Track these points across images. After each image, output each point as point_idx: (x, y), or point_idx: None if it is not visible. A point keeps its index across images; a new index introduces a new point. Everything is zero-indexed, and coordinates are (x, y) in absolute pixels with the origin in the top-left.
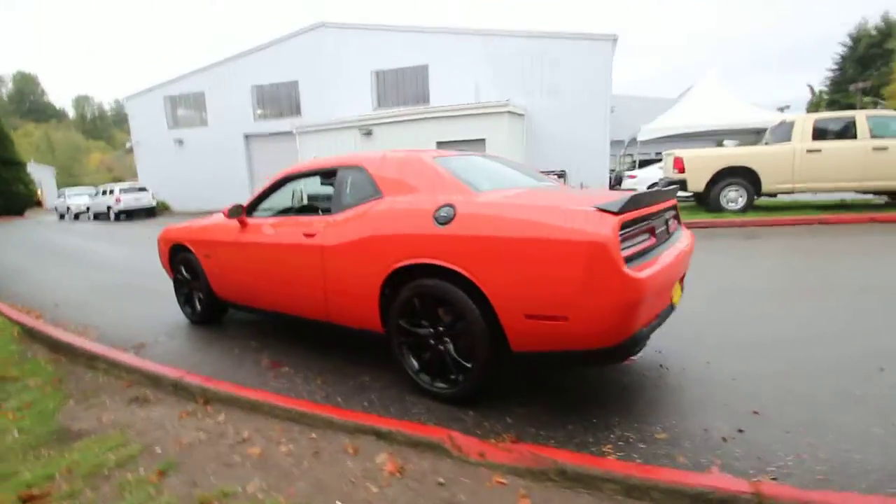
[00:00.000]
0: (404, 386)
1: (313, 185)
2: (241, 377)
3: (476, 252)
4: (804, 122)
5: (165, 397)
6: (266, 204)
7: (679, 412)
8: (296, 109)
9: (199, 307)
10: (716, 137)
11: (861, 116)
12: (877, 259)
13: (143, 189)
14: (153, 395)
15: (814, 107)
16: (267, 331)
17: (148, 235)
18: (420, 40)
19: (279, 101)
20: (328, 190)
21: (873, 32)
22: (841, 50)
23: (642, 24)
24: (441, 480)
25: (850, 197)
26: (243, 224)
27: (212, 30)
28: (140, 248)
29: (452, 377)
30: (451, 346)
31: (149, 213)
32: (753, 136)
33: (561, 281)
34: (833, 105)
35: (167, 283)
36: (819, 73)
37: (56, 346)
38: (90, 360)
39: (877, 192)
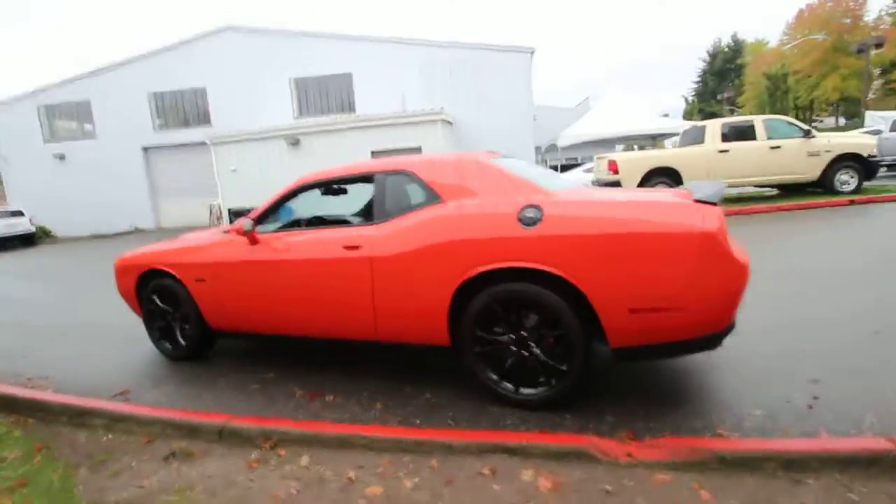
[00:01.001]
0: (477, 398)
1: (335, 193)
2: (281, 413)
3: (572, 252)
4: (714, 127)
5: (211, 447)
6: (273, 216)
7: (752, 389)
8: (204, 118)
9: (182, 341)
10: (617, 143)
11: (758, 121)
12: (815, 242)
13: (17, 213)
14: (193, 447)
15: (688, 114)
16: (272, 358)
17: (42, 266)
18: (343, 47)
19: (184, 109)
20: (359, 197)
21: (726, 50)
22: (702, 65)
23: (535, 42)
24: (608, 488)
25: (747, 191)
26: (253, 240)
27: (88, 32)
28: (41, 282)
29: (543, 381)
30: (537, 350)
31: (26, 241)
32: (649, 141)
33: (672, 273)
34: (701, 112)
35: (110, 319)
36: (686, 84)
37: (12, 405)
38: (78, 416)
39: (771, 186)
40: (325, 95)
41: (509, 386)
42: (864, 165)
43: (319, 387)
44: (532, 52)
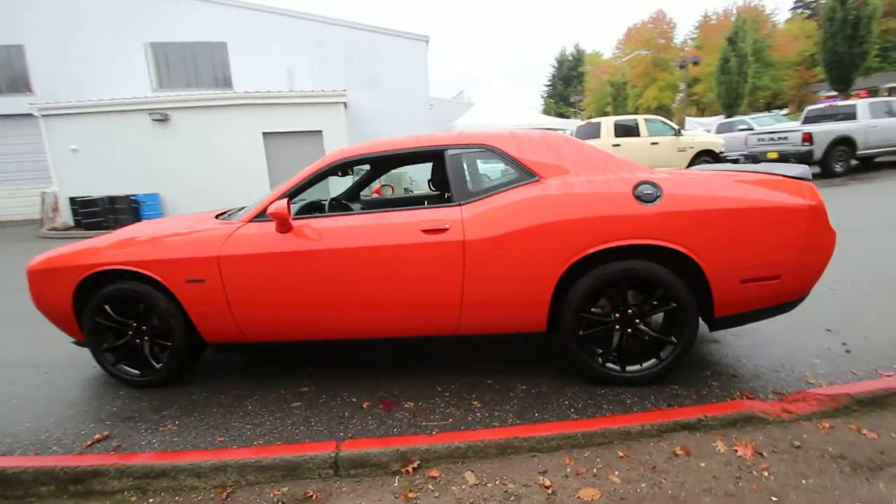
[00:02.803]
0: (577, 382)
1: (382, 171)
2: (367, 431)
3: (693, 228)
4: (608, 124)
5: (330, 485)
6: (300, 198)
7: (790, 344)
8: (21, 84)
9: (156, 362)
10: None
11: (641, 120)
12: None
13: None
14: (303, 488)
15: (547, 112)
16: (286, 368)
17: None
18: (214, 13)
19: None
20: (417, 175)
21: (570, 58)
22: (551, 70)
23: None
24: (796, 443)
25: None
26: (286, 227)
27: None
28: None
29: (648, 357)
30: (643, 327)
31: None
32: None
33: (782, 243)
34: (552, 112)
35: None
36: (538, 87)
37: None
38: (75, 482)
39: None
40: (193, 66)
41: (614, 367)
42: (716, 159)
43: (378, 393)
44: (427, 41)
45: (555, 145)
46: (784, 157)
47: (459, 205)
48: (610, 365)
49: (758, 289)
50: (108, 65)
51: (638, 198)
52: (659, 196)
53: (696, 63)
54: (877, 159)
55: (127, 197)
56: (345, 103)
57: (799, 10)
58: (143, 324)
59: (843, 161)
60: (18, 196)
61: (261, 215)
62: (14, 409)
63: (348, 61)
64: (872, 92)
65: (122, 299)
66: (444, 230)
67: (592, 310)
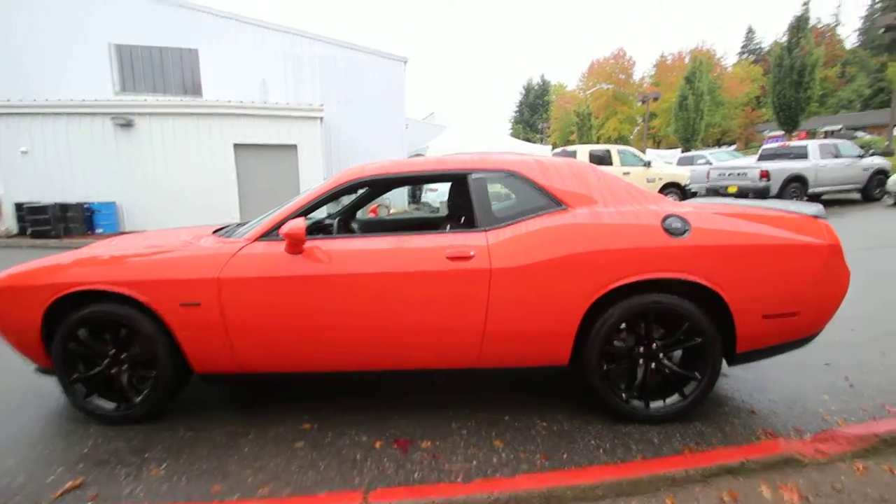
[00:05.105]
0: (600, 419)
1: (384, 191)
2: (384, 476)
3: (720, 263)
4: (583, 152)
5: None
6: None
7: (796, 379)
8: None
9: (136, 396)
10: None
11: (614, 150)
12: None
13: None
14: None
15: (516, 137)
16: (278, 399)
17: None
18: (186, 18)
19: None
20: (432, 198)
21: (536, 87)
22: (518, 96)
23: None
24: (837, 486)
25: None
26: (297, 249)
27: None
28: None
29: (671, 393)
30: (667, 362)
31: None
32: None
33: (802, 280)
34: (519, 137)
35: None
36: (505, 111)
37: None
38: None
39: None
40: (161, 71)
41: (639, 403)
42: (682, 192)
43: (388, 431)
44: (405, 62)
45: (581, 174)
46: (743, 192)
47: (485, 231)
48: (634, 402)
49: (778, 324)
50: (66, 63)
51: (667, 230)
52: (687, 230)
53: (656, 99)
54: (823, 197)
55: (80, 205)
56: (321, 118)
57: (745, 56)
58: (121, 351)
59: (797, 197)
60: None
61: (268, 234)
62: None
63: (324, 76)
64: (811, 134)
65: (101, 323)
66: (468, 257)
67: (615, 343)
